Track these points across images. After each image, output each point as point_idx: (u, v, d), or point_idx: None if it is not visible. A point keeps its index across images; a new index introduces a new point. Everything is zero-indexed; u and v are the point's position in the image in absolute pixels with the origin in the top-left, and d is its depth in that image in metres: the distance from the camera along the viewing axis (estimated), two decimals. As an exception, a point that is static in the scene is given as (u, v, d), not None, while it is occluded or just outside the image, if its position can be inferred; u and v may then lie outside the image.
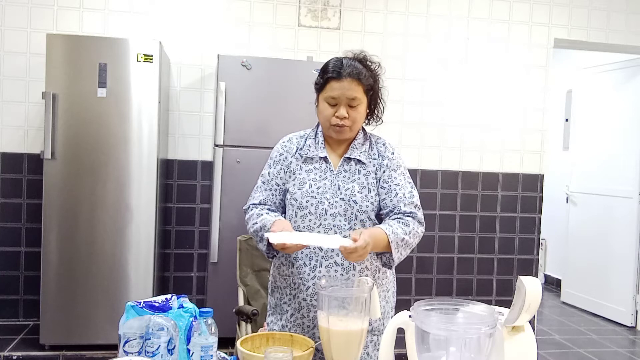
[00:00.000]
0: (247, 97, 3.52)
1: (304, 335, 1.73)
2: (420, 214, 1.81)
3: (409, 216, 1.77)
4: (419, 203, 1.82)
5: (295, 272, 1.77)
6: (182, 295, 1.46)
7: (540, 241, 4.48)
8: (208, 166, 3.93)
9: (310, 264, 1.75)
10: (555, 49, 4.37)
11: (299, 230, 1.76)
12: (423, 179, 4.20)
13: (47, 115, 3.29)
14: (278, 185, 1.83)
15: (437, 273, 4.24)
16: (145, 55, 3.37)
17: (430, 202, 4.21)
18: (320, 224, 1.74)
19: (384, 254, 1.77)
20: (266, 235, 1.63)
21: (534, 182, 4.36)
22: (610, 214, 4.86)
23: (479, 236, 4.29)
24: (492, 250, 4.31)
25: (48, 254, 3.34)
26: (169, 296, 1.42)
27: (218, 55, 3.55)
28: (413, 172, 4.16)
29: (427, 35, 4.19)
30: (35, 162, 3.70)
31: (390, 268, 1.81)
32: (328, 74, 1.76)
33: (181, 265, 3.96)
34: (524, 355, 1.27)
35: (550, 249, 6.12)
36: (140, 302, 1.37)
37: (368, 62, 1.81)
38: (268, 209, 1.81)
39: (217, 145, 3.51)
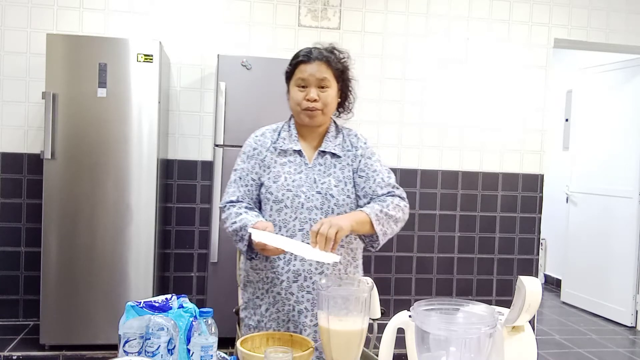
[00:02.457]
0: (247, 97, 3.52)
1: (279, 329, 1.75)
2: (399, 192, 1.81)
3: (387, 196, 1.77)
4: (396, 184, 1.83)
5: (269, 265, 1.76)
6: (182, 295, 1.46)
7: (540, 241, 4.48)
8: (208, 166, 3.93)
9: (284, 257, 1.74)
10: (555, 49, 4.37)
11: (275, 225, 1.74)
12: (423, 179, 4.20)
13: (47, 115, 3.29)
14: (254, 180, 1.81)
15: (437, 273, 4.24)
16: (145, 55, 3.37)
17: (430, 202, 4.21)
18: (297, 217, 1.74)
19: (370, 237, 1.75)
20: (250, 230, 1.60)
21: (534, 182, 4.36)
22: (610, 214, 4.86)
23: (479, 236, 4.29)
24: (492, 250, 4.31)
25: (48, 254, 3.34)
26: (169, 296, 1.42)
27: (218, 55, 3.55)
28: (413, 172, 4.17)
29: (427, 35, 4.19)
30: (35, 162, 3.70)
31: (375, 248, 1.77)
32: (298, 58, 1.79)
33: (181, 265, 3.96)
34: (524, 355, 1.27)
35: (550, 249, 6.12)
36: (140, 302, 1.37)
37: (337, 51, 1.83)
38: (246, 207, 1.79)
39: (217, 145, 3.51)
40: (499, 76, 4.27)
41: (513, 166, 4.32)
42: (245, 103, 3.52)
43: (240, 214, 1.75)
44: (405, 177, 4.17)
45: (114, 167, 3.39)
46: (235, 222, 1.74)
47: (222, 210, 1.84)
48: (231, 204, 1.80)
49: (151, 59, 3.38)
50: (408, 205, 1.82)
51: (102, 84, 3.33)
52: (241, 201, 1.80)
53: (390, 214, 1.72)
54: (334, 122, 1.89)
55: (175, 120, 3.94)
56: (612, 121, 4.92)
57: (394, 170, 4.13)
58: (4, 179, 3.77)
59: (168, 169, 3.91)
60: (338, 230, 1.54)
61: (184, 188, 3.96)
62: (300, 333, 1.72)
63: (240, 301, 1.91)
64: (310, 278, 1.74)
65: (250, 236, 1.65)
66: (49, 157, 3.31)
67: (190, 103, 3.95)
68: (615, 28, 4.40)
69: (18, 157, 3.77)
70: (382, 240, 1.74)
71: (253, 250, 1.74)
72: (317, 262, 1.72)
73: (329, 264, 1.73)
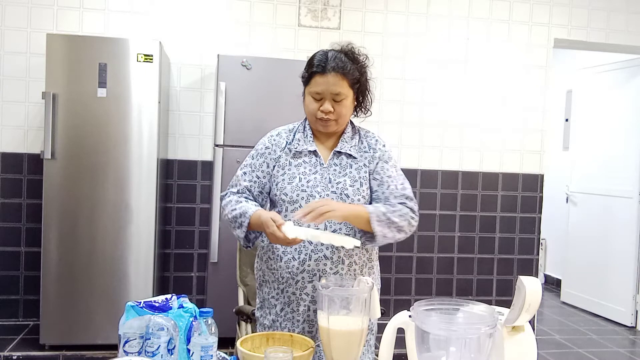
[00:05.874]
0: (247, 97, 3.52)
1: (294, 329, 1.75)
2: (411, 204, 1.80)
3: (398, 204, 1.77)
4: (411, 194, 1.83)
5: (284, 266, 1.76)
6: (182, 295, 1.46)
7: (540, 241, 4.48)
8: (208, 166, 3.93)
9: (299, 258, 1.74)
10: (555, 49, 4.37)
11: None
12: (423, 179, 4.20)
13: (47, 115, 3.29)
14: (259, 177, 1.83)
15: (437, 273, 4.24)
16: (145, 55, 3.37)
17: (430, 202, 4.21)
18: None
19: (366, 234, 1.75)
20: (284, 228, 1.59)
21: (534, 182, 4.36)
22: (610, 214, 4.86)
23: (479, 236, 4.29)
24: (492, 250, 4.31)
25: (48, 254, 3.34)
26: (169, 296, 1.42)
27: (218, 55, 3.55)
28: (413, 172, 4.17)
29: (427, 35, 4.19)
30: (35, 162, 3.70)
31: (373, 242, 1.75)
32: (313, 68, 1.75)
33: (181, 265, 3.96)
34: (524, 355, 1.27)
35: (550, 249, 6.12)
36: (140, 302, 1.37)
37: (355, 55, 1.79)
38: (246, 197, 1.81)
39: (217, 145, 3.51)
40: (499, 76, 4.27)
41: (513, 166, 4.32)
42: (245, 103, 3.52)
43: (241, 201, 1.78)
44: (406, 177, 4.17)
45: (114, 167, 3.39)
46: (235, 209, 1.76)
47: (222, 198, 1.87)
48: (232, 193, 1.84)
49: (151, 59, 3.38)
50: (417, 219, 1.80)
51: (102, 84, 3.33)
52: (241, 193, 1.83)
53: (393, 220, 1.72)
54: (351, 123, 1.89)
55: (175, 120, 3.94)
56: (612, 121, 4.92)
57: (394, 170, 4.16)
58: (4, 179, 3.77)
59: (168, 169, 3.91)
60: (329, 211, 1.59)
61: (184, 188, 3.96)
62: (316, 333, 1.72)
63: (257, 301, 1.92)
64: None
65: (248, 224, 1.72)
66: (49, 157, 3.31)
67: (190, 103, 3.95)
68: (615, 28, 4.39)
69: (18, 157, 3.77)
70: (380, 242, 1.73)
71: (249, 240, 1.79)
72: (332, 261, 1.73)
73: (342, 267, 1.74)
